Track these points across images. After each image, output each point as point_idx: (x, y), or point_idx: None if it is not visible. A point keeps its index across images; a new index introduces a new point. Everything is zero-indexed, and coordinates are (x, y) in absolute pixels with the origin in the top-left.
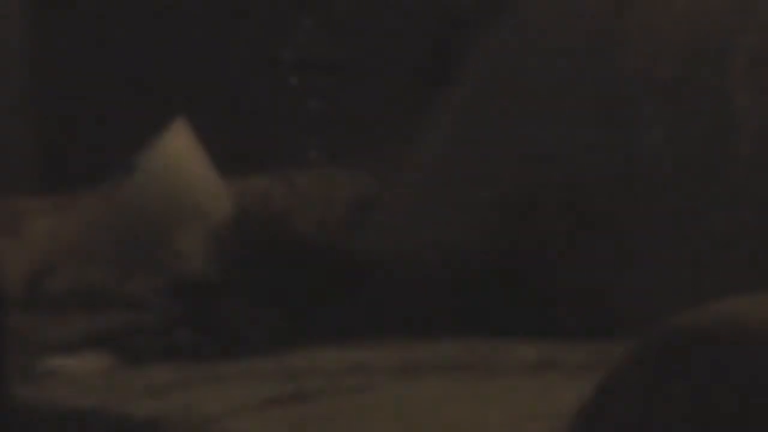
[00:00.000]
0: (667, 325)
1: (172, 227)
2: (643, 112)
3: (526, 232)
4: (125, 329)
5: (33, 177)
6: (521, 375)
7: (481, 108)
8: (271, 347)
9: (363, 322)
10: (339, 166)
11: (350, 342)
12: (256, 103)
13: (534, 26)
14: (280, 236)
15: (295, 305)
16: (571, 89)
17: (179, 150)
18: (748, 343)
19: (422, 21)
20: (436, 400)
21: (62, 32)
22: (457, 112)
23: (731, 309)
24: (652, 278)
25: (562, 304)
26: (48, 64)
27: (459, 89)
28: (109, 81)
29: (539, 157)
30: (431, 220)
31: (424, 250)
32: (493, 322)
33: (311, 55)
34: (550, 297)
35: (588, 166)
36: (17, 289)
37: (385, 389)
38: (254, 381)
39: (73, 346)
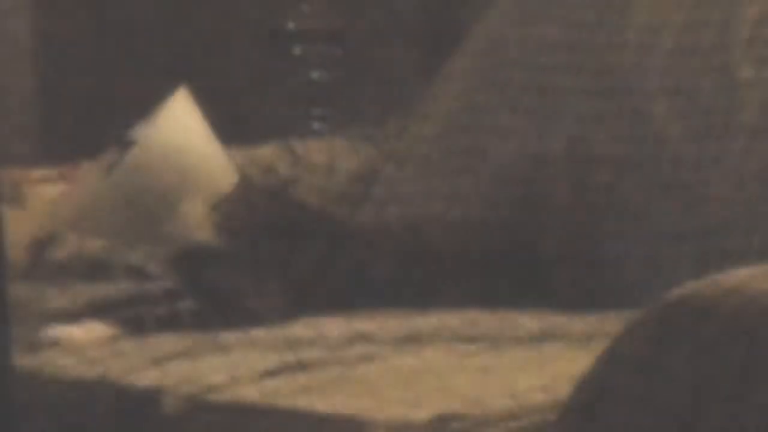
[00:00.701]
0: (668, 297)
1: (175, 198)
2: (645, 84)
3: (527, 204)
4: (128, 299)
5: (36, 146)
6: (523, 346)
7: (483, 79)
8: (274, 317)
9: (365, 293)
10: (342, 137)
11: (352, 312)
12: (259, 74)
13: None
14: (284, 206)
15: (298, 275)
16: (572, 61)
17: (181, 120)
18: (748, 314)
19: None
20: (438, 370)
21: (63, 7)
22: (459, 82)
23: (732, 280)
24: (654, 250)
25: (564, 275)
26: (50, 34)
27: (461, 60)
28: (112, 51)
29: (541, 129)
30: (434, 192)
31: (427, 221)
32: (495, 294)
33: (314, 25)
34: (551, 268)
35: (589, 137)
36: (20, 258)
37: (387, 360)
38: (256, 351)
39: (76, 316)
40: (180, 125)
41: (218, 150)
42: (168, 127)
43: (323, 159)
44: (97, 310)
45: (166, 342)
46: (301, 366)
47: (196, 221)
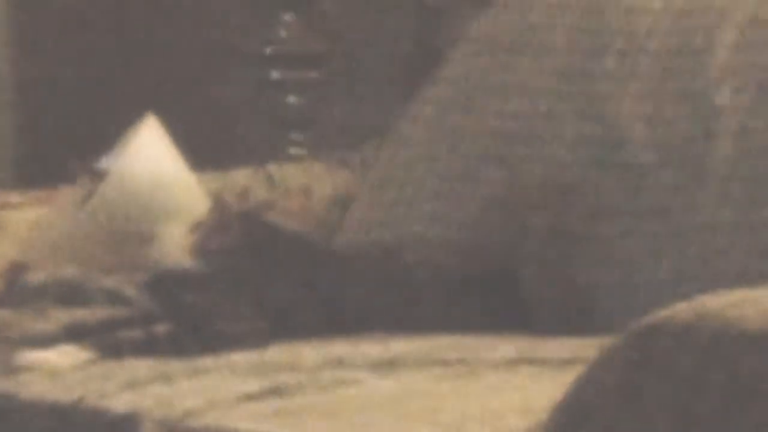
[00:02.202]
0: (645, 321)
1: (150, 225)
2: (624, 109)
3: (506, 228)
4: (104, 323)
5: (13, 171)
6: (501, 371)
7: (462, 104)
8: (251, 342)
9: (343, 318)
10: (319, 161)
11: (330, 337)
12: (237, 98)
13: (515, 23)
14: (259, 230)
15: (275, 300)
16: (553, 85)
17: (150, 148)
18: (726, 339)
19: (405, 14)
20: (416, 395)
21: (38, 30)
22: (436, 107)
23: (710, 305)
24: (632, 274)
25: (542, 299)
26: (28, 61)
27: (438, 85)
28: (89, 78)
29: (520, 153)
30: (411, 216)
31: (404, 245)
32: (472, 318)
33: (291, 49)
34: (529, 292)
35: (569, 161)
36: None
37: (365, 384)
38: (234, 375)
39: (52, 340)
40: (150, 153)
41: (189, 176)
42: (138, 156)
43: (300, 183)
44: (73, 334)
45: (143, 366)
46: (278, 390)
47: (171, 246)
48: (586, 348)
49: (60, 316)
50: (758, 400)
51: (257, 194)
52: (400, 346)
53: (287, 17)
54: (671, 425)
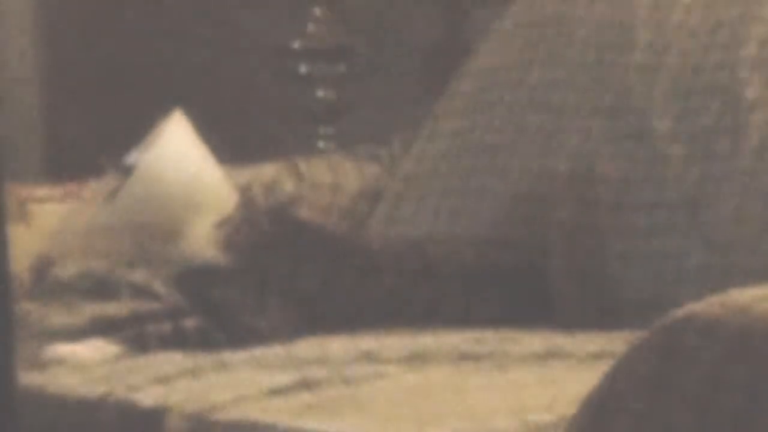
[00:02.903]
0: (673, 316)
1: (177, 221)
2: (650, 104)
3: (533, 222)
4: (132, 317)
5: (42, 164)
6: (528, 365)
7: (488, 98)
8: (278, 336)
9: (370, 312)
10: (347, 156)
11: (357, 331)
12: (265, 92)
13: (543, 16)
14: (287, 225)
15: (302, 294)
16: (581, 78)
17: (178, 143)
18: (754, 333)
19: (433, 7)
20: (443, 389)
21: (66, 26)
22: (464, 101)
23: (738, 300)
24: (659, 268)
25: (569, 294)
26: (56, 54)
27: (466, 79)
28: (118, 70)
29: (547, 147)
30: (438, 210)
31: (431, 239)
32: (499, 312)
33: (319, 43)
34: (556, 287)
35: (597, 155)
36: (24, 276)
37: (392, 379)
38: (261, 369)
39: (80, 334)
40: (177, 148)
41: (217, 170)
42: (165, 151)
43: (328, 177)
44: (101, 329)
45: (171, 360)
46: (306, 385)
47: (199, 241)
48: (614, 342)
49: (88, 310)
50: None
51: (285, 189)
52: (428, 340)
53: (316, 11)
54: (699, 419)
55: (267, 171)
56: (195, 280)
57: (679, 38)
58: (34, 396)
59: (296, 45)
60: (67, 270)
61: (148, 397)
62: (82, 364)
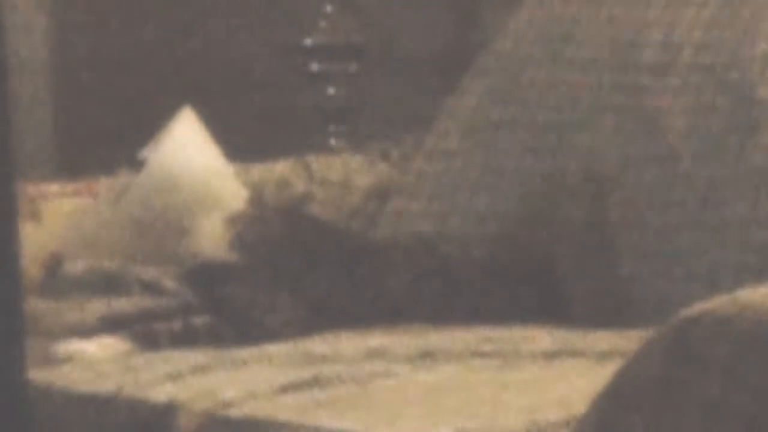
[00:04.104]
0: (684, 313)
1: (187, 217)
2: (662, 102)
3: (544, 220)
4: (142, 314)
5: (53, 161)
6: (539, 363)
7: (500, 96)
8: (289, 333)
9: (381, 309)
10: (358, 153)
11: (368, 329)
12: (276, 90)
13: (556, 14)
14: (298, 222)
15: (313, 291)
16: (593, 77)
17: (186, 140)
18: (765, 331)
19: (445, 5)
20: (453, 387)
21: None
22: (476, 99)
23: (749, 297)
24: (671, 266)
25: (580, 291)
26: (67, 50)
27: (478, 77)
28: (129, 67)
29: (559, 145)
30: (449, 208)
31: (442, 237)
32: (510, 310)
33: (331, 41)
34: (567, 285)
35: (609, 153)
36: (35, 273)
37: (402, 376)
38: (272, 367)
39: (90, 331)
40: (186, 145)
41: (226, 168)
42: (175, 148)
43: (339, 175)
44: (111, 325)
45: (181, 357)
46: (317, 382)
47: (209, 238)
48: (625, 340)
49: (98, 307)
50: None
51: (296, 186)
52: (438, 337)
53: (327, 9)
54: (710, 417)
55: (278, 168)
56: (205, 277)
57: (691, 37)
58: (45, 393)
59: (308, 42)
60: (77, 267)
61: (158, 394)
62: (92, 360)
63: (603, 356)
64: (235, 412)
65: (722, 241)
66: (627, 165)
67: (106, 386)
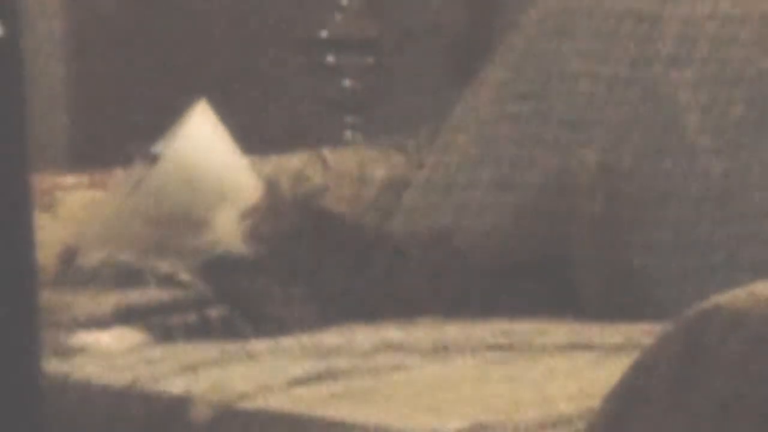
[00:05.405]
0: (699, 307)
1: (202, 210)
2: (677, 96)
3: (559, 213)
4: (157, 306)
5: (68, 152)
6: (553, 356)
7: (517, 90)
8: (303, 326)
9: (395, 302)
10: (374, 146)
11: (382, 322)
12: (292, 82)
13: (571, 7)
14: (313, 215)
15: (328, 284)
16: (608, 70)
17: (202, 133)
18: None
19: None
20: (468, 380)
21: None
22: (492, 92)
23: (765, 292)
24: (685, 260)
25: (595, 285)
26: (82, 40)
27: (494, 69)
28: (144, 59)
29: (574, 138)
30: (465, 201)
31: (457, 230)
32: (525, 303)
33: (346, 33)
34: (582, 278)
35: (624, 147)
36: (50, 264)
37: (416, 369)
38: (286, 359)
39: (105, 323)
40: (201, 137)
41: (241, 160)
42: (189, 141)
43: (354, 168)
44: (126, 317)
45: (196, 349)
46: (331, 374)
47: (224, 231)
48: (639, 334)
49: (113, 299)
50: None
51: (311, 179)
52: (453, 331)
53: (343, 1)
54: (724, 411)
55: (293, 161)
56: (220, 270)
57: (707, 31)
58: (59, 384)
59: (323, 35)
60: (92, 258)
61: (173, 386)
62: (107, 352)
63: (617, 349)
64: (248, 405)
65: (736, 235)
66: (643, 159)
67: (120, 378)
